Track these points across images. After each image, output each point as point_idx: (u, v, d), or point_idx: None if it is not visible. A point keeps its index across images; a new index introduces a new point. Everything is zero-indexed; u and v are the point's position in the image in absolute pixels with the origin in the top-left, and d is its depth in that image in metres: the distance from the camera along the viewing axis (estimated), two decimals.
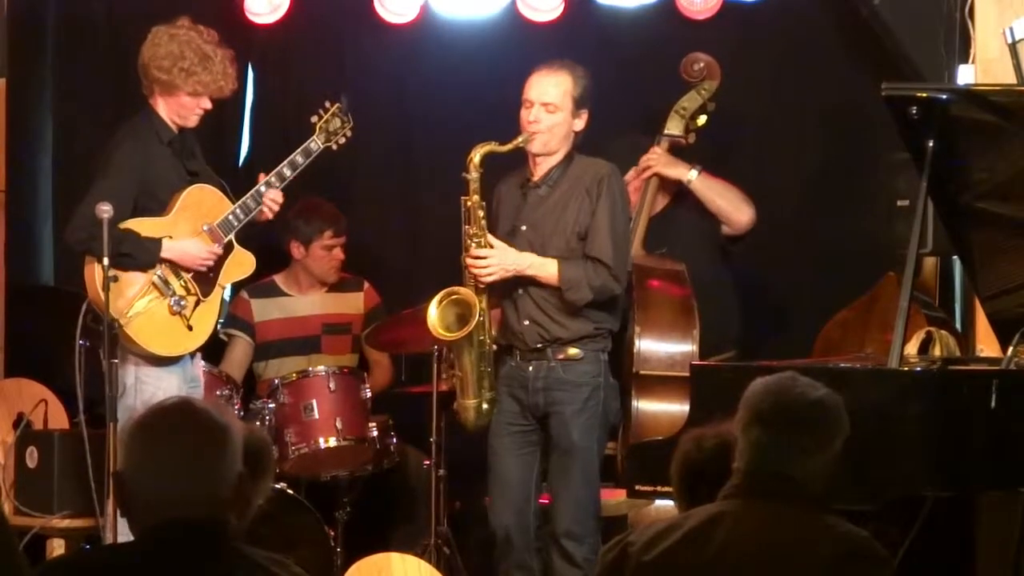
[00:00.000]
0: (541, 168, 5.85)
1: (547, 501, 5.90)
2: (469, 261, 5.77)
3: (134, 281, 5.66)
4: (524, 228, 5.84)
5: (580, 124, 5.83)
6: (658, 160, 6.57)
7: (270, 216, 5.94)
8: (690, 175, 6.53)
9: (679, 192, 6.62)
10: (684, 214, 6.62)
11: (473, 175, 5.74)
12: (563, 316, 5.76)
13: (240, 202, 5.85)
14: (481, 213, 5.77)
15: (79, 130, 7.20)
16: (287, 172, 5.91)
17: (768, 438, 3.42)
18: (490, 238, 5.78)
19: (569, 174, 5.83)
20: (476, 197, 5.75)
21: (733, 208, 6.55)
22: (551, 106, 5.77)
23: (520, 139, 5.76)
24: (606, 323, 5.83)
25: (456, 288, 5.80)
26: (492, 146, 5.75)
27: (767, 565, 3.33)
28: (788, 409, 3.45)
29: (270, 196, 5.87)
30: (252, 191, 5.87)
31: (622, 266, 5.81)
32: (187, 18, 5.84)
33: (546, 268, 5.76)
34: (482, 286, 5.78)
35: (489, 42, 7.07)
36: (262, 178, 5.91)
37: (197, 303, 5.77)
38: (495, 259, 5.75)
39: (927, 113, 4.87)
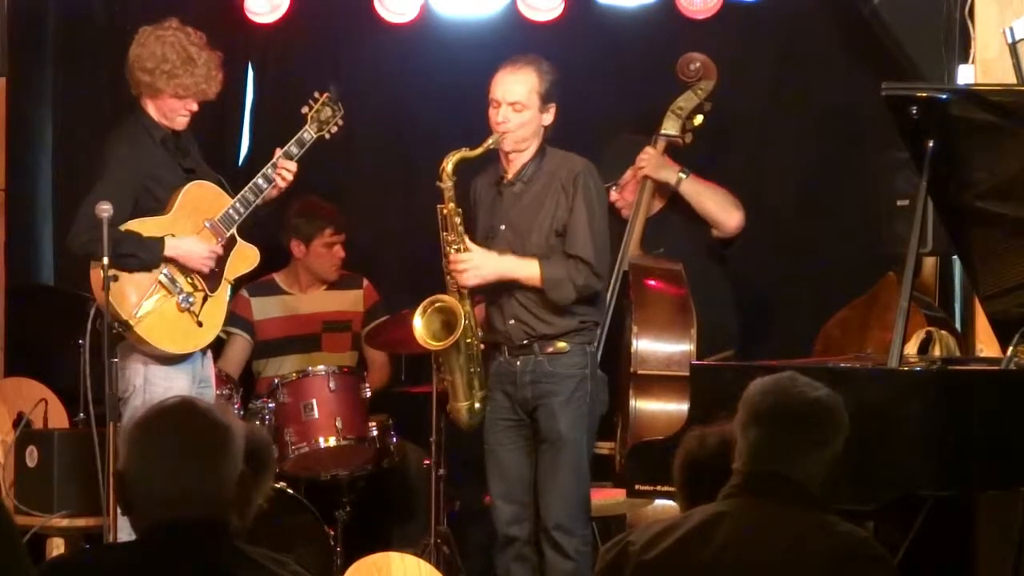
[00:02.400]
0: (514, 165, 5.85)
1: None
2: (450, 267, 5.77)
3: (141, 281, 5.65)
4: (503, 227, 5.84)
5: (549, 118, 5.82)
6: (649, 161, 6.57)
7: (283, 186, 5.90)
8: (679, 177, 6.54)
9: (675, 193, 6.62)
10: (681, 214, 6.63)
11: (447, 183, 5.73)
12: (547, 313, 5.76)
13: (239, 195, 5.84)
14: (458, 220, 5.76)
15: (79, 130, 7.20)
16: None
17: (767, 438, 3.42)
18: (468, 243, 5.78)
19: (543, 169, 5.83)
20: (452, 205, 5.75)
21: (721, 211, 6.56)
22: (518, 105, 5.76)
23: (490, 141, 5.76)
24: (591, 316, 5.84)
25: (440, 296, 5.80)
26: (463, 152, 5.73)
27: (767, 565, 3.33)
28: (787, 409, 3.45)
29: (284, 166, 5.86)
30: (250, 184, 5.86)
31: (603, 262, 5.81)
32: (175, 19, 5.80)
33: (527, 269, 5.75)
34: (464, 291, 5.79)
35: (489, 42, 7.06)
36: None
37: (205, 299, 5.76)
38: (474, 263, 5.75)
39: (927, 113, 4.87)
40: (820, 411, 3.47)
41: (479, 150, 5.75)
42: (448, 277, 5.78)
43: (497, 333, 5.84)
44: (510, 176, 5.85)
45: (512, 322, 5.79)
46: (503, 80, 5.79)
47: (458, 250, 5.76)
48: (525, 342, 5.78)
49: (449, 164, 5.73)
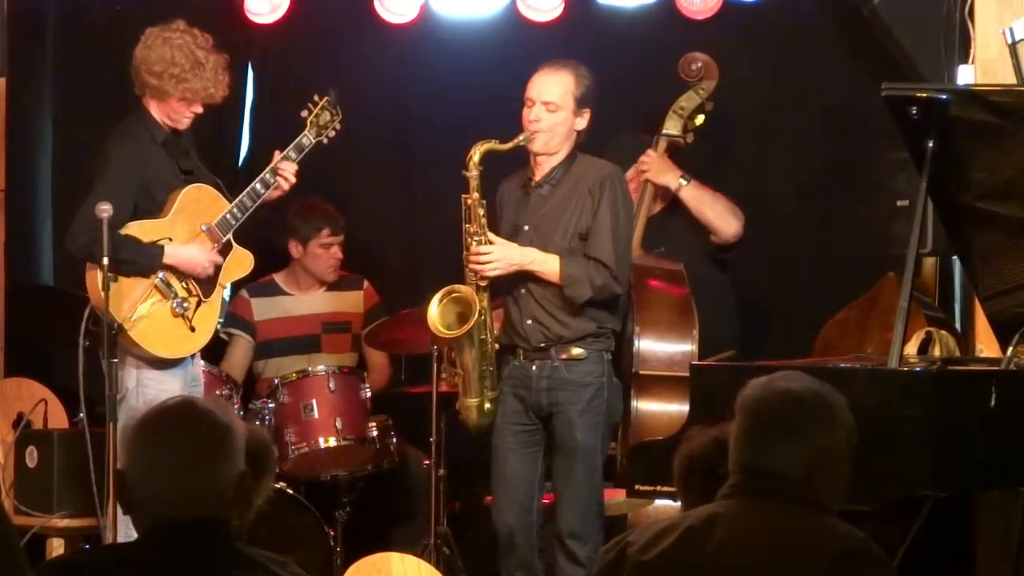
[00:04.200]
0: (543, 168, 5.85)
1: (549, 501, 5.90)
2: (471, 258, 5.77)
3: (136, 285, 5.64)
4: (526, 228, 5.84)
5: (582, 123, 5.83)
6: (651, 166, 6.58)
7: (286, 188, 5.90)
8: (679, 183, 6.54)
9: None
10: (682, 214, 6.63)
11: (473, 173, 5.74)
12: (566, 315, 5.76)
13: (237, 200, 5.83)
14: (481, 211, 5.77)
15: (79, 130, 7.19)
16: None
17: (759, 436, 3.41)
18: (490, 235, 5.78)
19: (571, 174, 5.83)
20: (476, 195, 5.75)
21: (719, 219, 6.56)
22: (552, 105, 5.77)
23: (521, 138, 5.76)
24: (609, 323, 5.83)
25: (456, 286, 5.80)
26: (492, 144, 5.75)
27: (765, 565, 3.33)
28: (764, 401, 3.43)
29: (284, 168, 5.85)
30: (248, 189, 5.85)
31: (623, 267, 5.81)
32: (183, 20, 5.80)
33: (548, 264, 5.76)
34: (483, 284, 5.78)
35: (489, 42, 7.08)
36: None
37: (199, 304, 5.75)
38: (496, 254, 5.75)
39: (927, 113, 4.87)
40: (813, 407, 3.45)
41: (509, 145, 5.76)
42: (467, 269, 5.78)
43: (515, 334, 5.82)
44: (538, 178, 5.85)
45: (529, 322, 5.79)
46: (540, 80, 5.80)
47: (479, 242, 5.76)
48: (542, 345, 5.77)
49: (476, 153, 5.73)
